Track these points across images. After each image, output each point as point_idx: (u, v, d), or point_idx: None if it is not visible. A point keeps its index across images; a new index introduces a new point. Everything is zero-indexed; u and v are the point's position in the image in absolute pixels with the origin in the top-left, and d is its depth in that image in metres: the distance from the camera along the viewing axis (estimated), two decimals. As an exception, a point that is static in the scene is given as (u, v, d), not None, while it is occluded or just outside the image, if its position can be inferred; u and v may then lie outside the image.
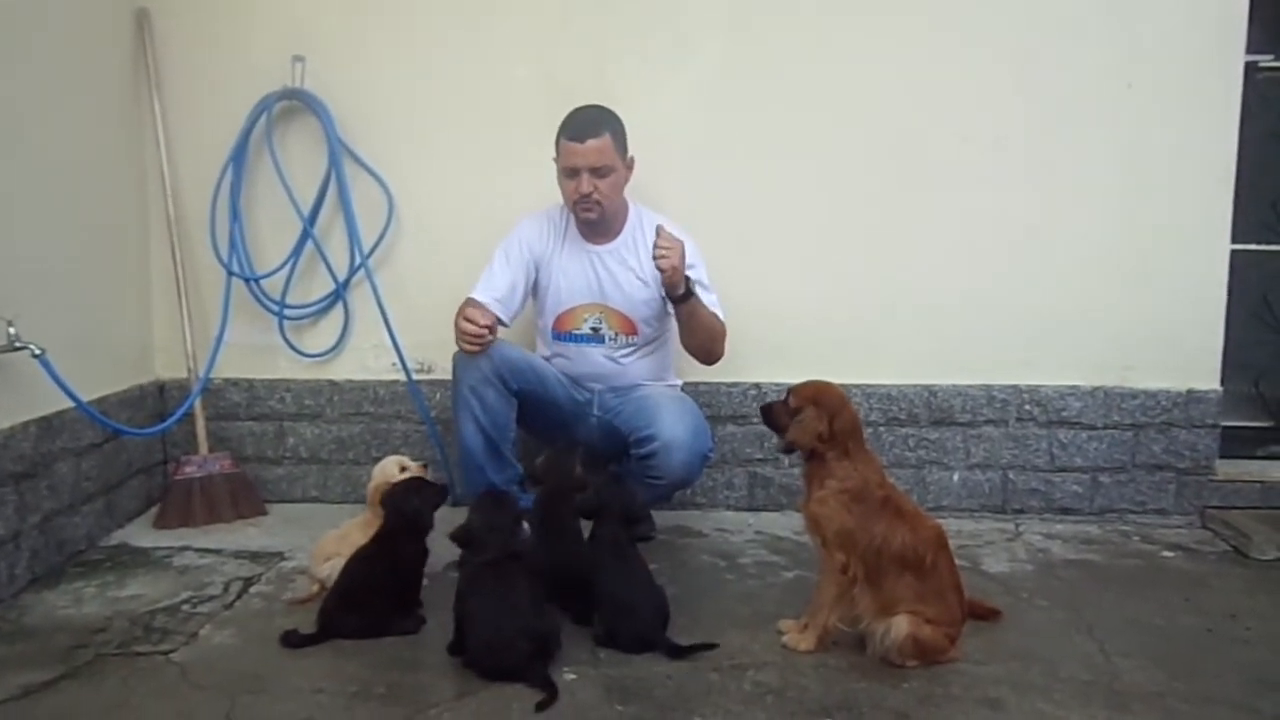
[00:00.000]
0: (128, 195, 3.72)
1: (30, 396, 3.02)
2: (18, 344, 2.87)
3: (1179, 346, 3.72)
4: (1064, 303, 3.72)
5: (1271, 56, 3.74)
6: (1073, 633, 2.78)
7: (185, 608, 2.89)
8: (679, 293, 3.08)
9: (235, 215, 3.76)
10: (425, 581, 2.82)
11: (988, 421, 3.78)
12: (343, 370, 3.90)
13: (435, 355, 3.76)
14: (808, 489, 2.65)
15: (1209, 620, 2.88)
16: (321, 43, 3.71)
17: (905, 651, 2.49)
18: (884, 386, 3.77)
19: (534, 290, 3.40)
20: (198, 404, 3.75)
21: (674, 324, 3.31)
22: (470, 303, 3.18)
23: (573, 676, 2.47)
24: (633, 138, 3.27)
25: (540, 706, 2.30)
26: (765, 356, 3.71)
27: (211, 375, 3.80)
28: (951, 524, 3.36)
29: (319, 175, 3.74)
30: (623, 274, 3.33)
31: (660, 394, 3.34)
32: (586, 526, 2.83)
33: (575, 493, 2.89)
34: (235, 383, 3.89)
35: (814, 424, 2.58)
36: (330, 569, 2.86)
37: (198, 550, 3.36)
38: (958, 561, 2.64)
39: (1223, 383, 3.75)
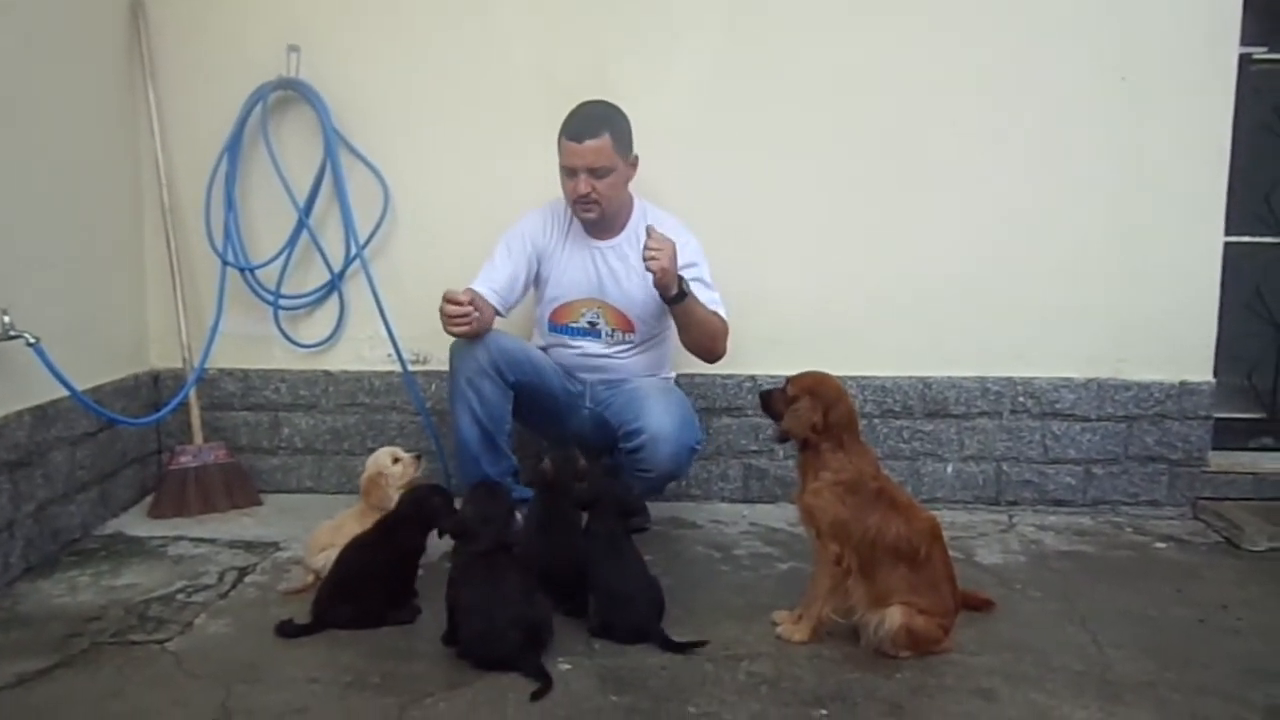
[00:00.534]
0: (123, 185, 3.71)
1: (25, 385, 3.01)
2: (12, 333, 2.87)
3: (1172, 339, 3.74)
4: (1058, 295, 3.73)
5: (1266, 48, 3.73)
6: (1065, 623, 2.79)
7: (180, 597, 2.89)
8: (671, 293, 3.06)
9: (230, 205, 3.75)
10: (420, 572, 2.83)
11: (981, 413, 3.79)
12: (338, 361, 3.90)
13: (431, 346, 3.77)
14: (802, 480, 2.65)
15: (1201, 611, 2.89)
16: (317, 33, 3.70)
17: (899, 642, 2.50)
18: (879, 378, 3.78)
19: (535, 281, 3.40)
20: (192, 394, 3.75)
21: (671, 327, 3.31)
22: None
23: (567, 666, 2.48)
24: (632, 134, 3.26)
25: (535, 696, 2.31)
26: (761, 349, 3.71)
27: (206, 365, 3.79)
28: (945, 515, 3.37)
29: (314, 165, 3.73)
30: (623, 271, 3.32)
31: (649, 387, 3.33)
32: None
33: (574, 483, 2.88)
34: (230, 373, 3.88)
35: (809, 414, 2.58)
36: (325, 559, 2.85)
37: (192, 540, 3.36)
38: (951, 553, 2.65)
39: (1215, 375, 3.76)
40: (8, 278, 2.94)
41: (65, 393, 3.07)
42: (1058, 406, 3.77)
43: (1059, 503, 3.80)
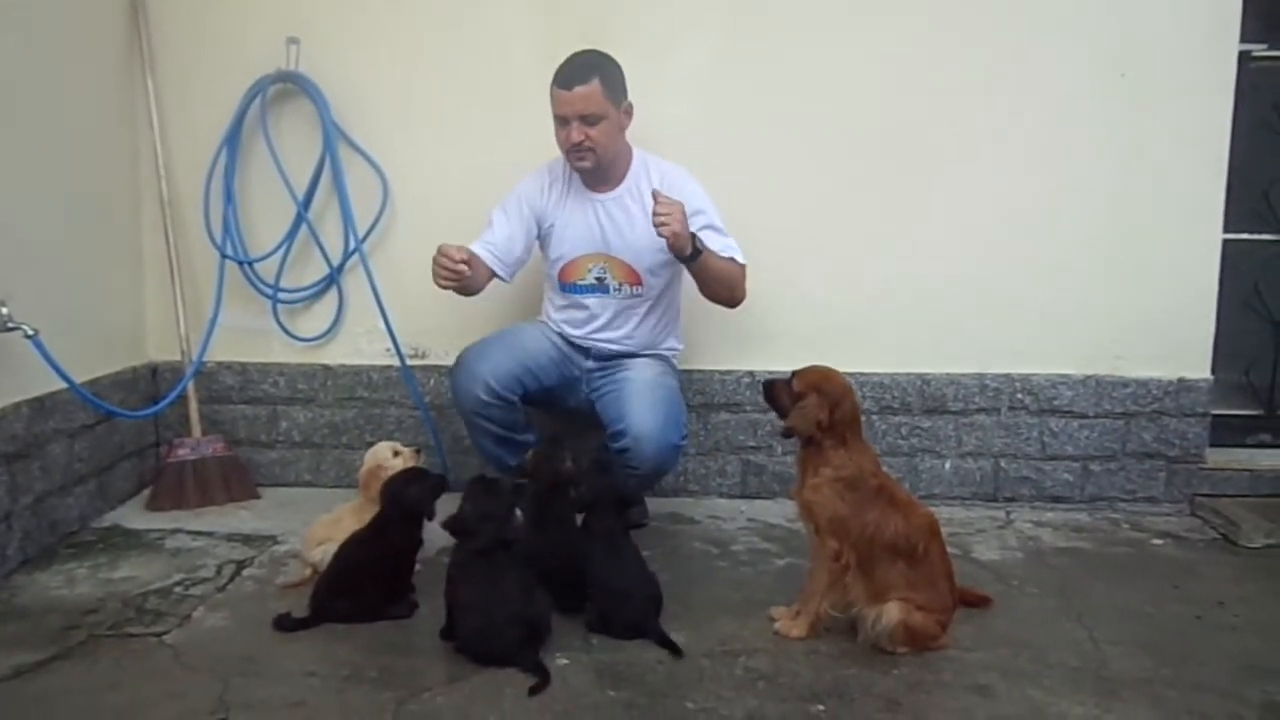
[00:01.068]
0: (122, 177, 3.71)
1: (22, 377, 3.02)
2: (10, 325, 2.87)
3: (1170, 335, 3.74)
4: (1056, 291, 3.73)
5: (1265, 46, 3.73)
6: (1062, 620, 2.79)
7: (178, 590, 2.89)
8: (686, 254, 3.03)
9: (229, 198, 3.74)
10: (418, 567, 2.83)
11: (980, 410, 3.79)
12: (336, 355, 3.90)
13: (429, 340, 3.77)
14: (801, 476, 2.65)
15: (1198, 608, 2.90)
16: (316, 25, 3.69)
17: (896, 638, 2.50)
18: (877, 375, 3.78)
19: (541, 243, 3.39)
20: (191, 387, 3.75)
21: (682, 279, 3.30)
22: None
23: (565, 662, 2.48)
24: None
25: (533, 691, 2.32)
26: (759, 344, 3.71)
27: (205, 358, 3.79)
28: (943, 512, 3.36)
29: (313, 159, 3.72)
30: (625, 222, 3.28)
31: (639, 381, 3.27)
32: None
33: (568, 486, 2.87)
34: (228, 366, 3.88)
35: (815, 411, 2.58)
36: (322, 553, 2.86)
37: (190, 533, 3.37)
38: (949, 549, 2.66)
39: (1213, 371, 3.76)
40: (6, 270, 2.94)
41: (63, 385, 3.07)
42: (1056, 403, 3.77)
43: (1056, 499, 3.80)
